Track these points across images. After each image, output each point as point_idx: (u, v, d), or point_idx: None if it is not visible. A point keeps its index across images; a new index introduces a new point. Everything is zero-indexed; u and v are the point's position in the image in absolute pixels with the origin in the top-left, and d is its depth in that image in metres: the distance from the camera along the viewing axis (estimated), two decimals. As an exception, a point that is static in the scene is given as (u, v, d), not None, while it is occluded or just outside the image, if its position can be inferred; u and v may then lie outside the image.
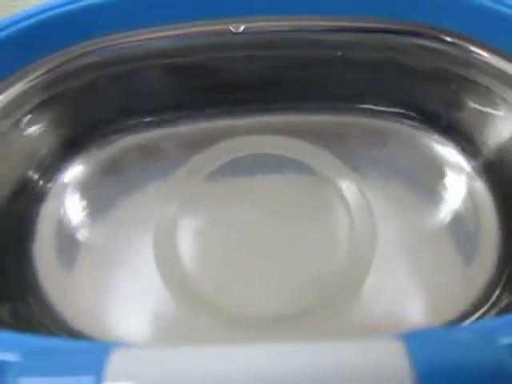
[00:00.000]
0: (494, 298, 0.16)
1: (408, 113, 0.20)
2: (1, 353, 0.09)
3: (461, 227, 0.18)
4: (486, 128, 0.18)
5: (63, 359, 0.09)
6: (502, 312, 0.15)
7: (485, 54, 0.17)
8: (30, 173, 0.19)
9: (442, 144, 0.19)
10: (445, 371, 0.08)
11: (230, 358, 0.08)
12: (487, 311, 0.15)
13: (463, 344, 0.08)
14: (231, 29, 0.18)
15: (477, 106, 0.18)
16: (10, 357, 0.09)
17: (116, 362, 0.09)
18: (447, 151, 0.19)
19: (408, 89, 0.20)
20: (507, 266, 0.16)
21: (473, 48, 0.17)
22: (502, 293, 0.15)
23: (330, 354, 0.08)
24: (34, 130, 0.19)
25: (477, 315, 0.16)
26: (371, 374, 0.08)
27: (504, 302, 0.15)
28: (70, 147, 0.20)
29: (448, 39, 0.18)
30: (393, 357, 0.08)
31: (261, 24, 0.18)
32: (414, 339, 0.08)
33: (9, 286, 0.16)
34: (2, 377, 0.09)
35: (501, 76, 0.17)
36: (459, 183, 0.19)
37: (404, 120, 0.20)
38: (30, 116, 0.18)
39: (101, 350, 0.09)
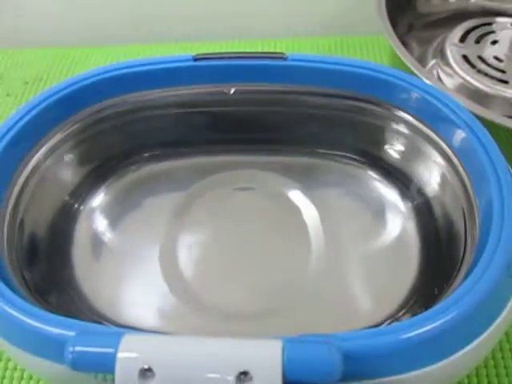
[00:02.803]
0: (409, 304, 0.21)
1: (356, 157, 0.26)
2: (63, 330, 0.15)
3: (392, 251, 0.23)
4: (416, 174, 0.23)
5: (97, 336, 0.14)
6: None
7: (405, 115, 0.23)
8: (67, 198, 0.24)
9: (385, 185, 0.25)
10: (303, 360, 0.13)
11: (196, 344, 0.14)
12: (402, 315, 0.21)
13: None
14: (225, 91, 0.23)
15: (406, 155, 0.24)
16: (69, 332, 0.15)
17: (126, 341, 0.14)
18: (387, 191, 0.25)
19: (356, 139, 0.25)
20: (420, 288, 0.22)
21: (396, 112, 0.23)
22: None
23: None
24: (69, 164, 0.24)
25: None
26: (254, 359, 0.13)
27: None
28: (96, 177, 0.25)
29: (380, 105, 0.24)
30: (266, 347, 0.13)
31: (247, 88, 0.24)
32: (293, 341, 0.14)
33: (55, 281, 0.22)
34: (63, 345, 0.14)
35: (417, 132, 0.23)
36: (394, 218, 0.24)
37: (352, 162, 0.26)
38: (67, 154, 0.24)
39: (118, 332, 0.15)
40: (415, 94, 0.22)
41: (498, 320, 0.17)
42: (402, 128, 0.23)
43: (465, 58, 0.35)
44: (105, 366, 0.13)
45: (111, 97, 0.23)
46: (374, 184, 0.25)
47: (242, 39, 0.44)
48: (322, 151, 0.26)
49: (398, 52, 0.29)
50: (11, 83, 0.43)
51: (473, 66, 0.35)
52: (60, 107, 0.22)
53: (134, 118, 0.25)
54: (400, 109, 0.23)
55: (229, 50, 0.42)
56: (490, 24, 0.38)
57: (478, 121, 0.20)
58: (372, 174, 0.25)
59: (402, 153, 0.24)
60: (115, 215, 0.25)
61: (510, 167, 0.20)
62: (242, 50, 0.24)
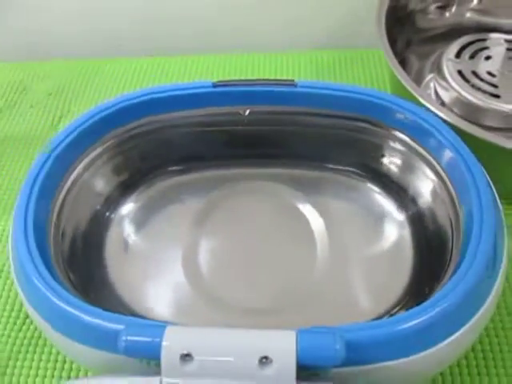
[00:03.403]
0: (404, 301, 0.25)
1: (357, 171, 0.29)
2: (114, 324, 0.18)
3: (390, 255, 0.27)
4: (410, 187, 0.27)
5: (145, 328, 0.18)
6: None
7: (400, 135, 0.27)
8: (99, 207, 0.28)
9: (383, 197, 0.28)
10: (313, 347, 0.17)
11: (225, 334, 0.17)
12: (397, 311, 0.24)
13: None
14: (240, 112, 0.27)
15: (401, 170, 0.27)
16: (119, 326, 0.18)
17: (170, 333, 0.18)
18: (385, 202, 0.28)
19: (357, 155, 0.29)
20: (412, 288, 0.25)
21: (392, 132, 0.27)
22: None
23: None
24: (102, 177, 0.28)
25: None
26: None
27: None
28: (125, 188, 0.29)
29: (378, 125, 0.27)
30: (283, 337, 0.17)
31: (260, 109, 0.27)
32: (304, 332, 0.17)
33: (92, 281, 0.25)
34: (116, 338, 0.18)
35: (411, 150, 0.26)
36: (391, 225, 0.27)
37: (355, 176, 0.29)
38: (101, 168, 0.27)
39: (162, 325, 0.18)
40: (408, 117, 0.25)
41: (478, 314, 0.20)
42: (398, 146, 0.27)
43: (460, 72, 0.38)
44: (152, 352, 0.17)
45: (142, 117, 0.27)
46: (373, 195, 0.29)
47: (249, 53, 0.48)
48: (327, 166, 0.29)
49: (396, 73, 0.32)
50: (35, 95, 0.46)
51: (467, 80, 0.38)
52: (99, 127, 0.26)
53: (161, 136, 0.28)
54: (395, 129, 0.26)
55: (233, 64, 0.46)
56: (484, 40, 0.41)
57: (461, 141, 0.24)
58: (372, 186, 0.29)
59: (398, 168, 0.28)
60: (142, 222, 0.29)
61: (489, 180, 0.23)
62: (254, 77, 0.27)
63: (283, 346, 0.16)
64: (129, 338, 0.17)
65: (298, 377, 0.17)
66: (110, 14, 0.49)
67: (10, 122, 0.44)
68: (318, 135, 0.28)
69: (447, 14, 0.43)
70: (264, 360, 0.16)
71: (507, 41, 0.41)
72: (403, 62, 0.43)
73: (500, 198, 0.24)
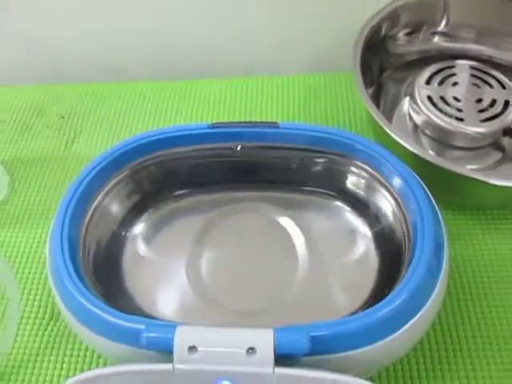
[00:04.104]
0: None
1: (330, 193, 0.36)
2: (137, 324, 0.24)
3: (359, 263, 0.33)
4: (373, 207, 0.33)
5: (160, 327, 0.24)
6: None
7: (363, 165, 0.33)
8: (116, 227, 0.34)
9: (352, 214, 0.35)
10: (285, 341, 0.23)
11: (222, 331, 0.23)
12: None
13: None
14: (233, 147, 0.33)
15: (366, 192, 0.34)
16: (140, 326, 0.24)
17: (180, 331, 0.24)
18: (354, 219, 0.34)
19: (330, 180, 0.35)
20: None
21: (357, 162, 0.33)
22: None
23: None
24: (118, 202, 0.34)
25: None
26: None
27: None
28: (138, 210, 0.35)
29: (346, 157, 0.34)
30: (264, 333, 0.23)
31: (249, 145, 0.33)
32: (279, 329, 0.23)
33: (112, 289, 0.32)
34: (138, 335, 0.24)
35: (372, 176, 0.33)
36: (359, 238, 0.34)
37: (328, 197, 0.36)
38: (117, 195, 0.34)
39: (173, 325, 0.24)
40: (367, 151, 0.31)
41: (423, 310, 0.26)
42: (362, 173, 0.33)
43: (429, 98, 0.44)
44: (166, 345, 0.23)
45: (153, 152, 0.34)
46: (344, 213, 0.35)
47: (242, 76, 0.53)
48: (305, 189, 0.36)
49: (367, 107, 0.37)
50: (50, 117, 0.52)
51: (435, 105, 0.44)
52: (118, 161, 0.32)
53: (167, 166, 0.35)
54: (359, 160, 0.33)
55: (229, 88, 0.52)
56: (452, 67, 0.47)
57: (407, 167, 0.31)
58: (343, 205, 0.35)
59: (363, 191, 0.34)
60: (152, 239, 0.35)
61: (431, 198, 0.30)
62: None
63: (264, 340, 0.23)
64: (148, 335, 0.23)
65: (276, 363, 0.23)
66: (116, 41, 0.55)
67: (29, 143, 0.50)
68: (296, 164, 0.35)
69: (415, 41, 0.49)
70: (250, 350, 0.23)
71: (472, 67, 0.47)
72: (381, 86, 0.49)
73: (465, 209, 0.32)
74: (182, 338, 0.23)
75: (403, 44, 0.48)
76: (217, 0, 0.51)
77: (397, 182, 0.30)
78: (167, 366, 0.23)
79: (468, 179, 0.34)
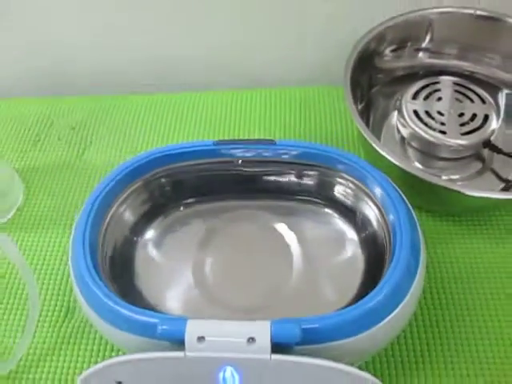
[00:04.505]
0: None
1: (320, 201, 0.40)
2: (152, 319, 0.28)
3: (347, 264, 0.37)
4: (360, 214, 0.37)
5: (173, 321, 0.28)
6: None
7: (349, 177, 0.38)
8: (128, 233, 0.39)
9: (341, 220, 0.39)
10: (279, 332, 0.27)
11: (225, 323, 0.27)
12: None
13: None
14: (235, 162, 0.38)
15: (352, 201, 0.38)
16: (156, 320, 0.28)
17: (190, 324, 0.28)
18: (342, 224, 0.39)
19: (320, 189, 0.40)
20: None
21: (343, 175, 0.38)
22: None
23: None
24: (131, 211, 0.38)
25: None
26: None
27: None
28: (148, 218, 0.40)
29: (333, 170, 0.38)
30: (262, 325, 0.27)
31: (249, 159, 0.38)
32: (275, 322, 0.27)
33: (126, 287, 0.36)
34: (154, 328, 0.28)
35: (358, 187, 0.37)
36: (347, 241, 0.38)
37: (319, 205, 0.40)
38: (130, 204, 0.38)
39: (184, 318, 0.28)
40: (353, 165, 0.36)
41: (402, 304, 0.30)
42: (349, 184, 0.38)
43: (415, 112, 0.48)
44: (178, 336, 0.27)
45: (163, 166, 0.38)
46: (334, 220, 0.40)
47: (242, 88, 0.58)
48: (298, 197, 0.41)
49: (356, 124, 0.42)
50: (61, 129, 0.56)
51: (421, 119, 0.48)
52: (132, 174, 0.37)
53: (176, 178, 0.39)
54: (346, 173, 0.38)
55: (230, 100, 0.56)
56: (437, 83, 0.51)
57: (388, 180, 0.35)
58: (332, 213, 0.40)
59: (350, 200, 0.39)
60: (161, 243, 0.39)
61: (409, 207, 0.34)
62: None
63: (262, 331, 0.27)
64: (163, 327, 0.27)
65: (273, 351, 0.27)
66: (123, 55, 0.59)
67: (42, 153, 0.54)
68: (291, 176, 0.39)
69: (401, 57, 0.53)
70: (250, 340, 0.27)
71: (455, 83, 0.51)
72: (371, 101, 0.53)
73: (446, 215, 0.38)
74: (192, 329, 0.27)
75: (390, 60, 0.53)
76: (221, 18, 0.55)
77: (378, 192, 0.35)
78: (179, 354, 0.27)
79: (446, 190, 0.39)
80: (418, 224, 0.33)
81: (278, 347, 0.27)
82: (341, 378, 0.27)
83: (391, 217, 0.33)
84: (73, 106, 0.58)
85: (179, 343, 0.28)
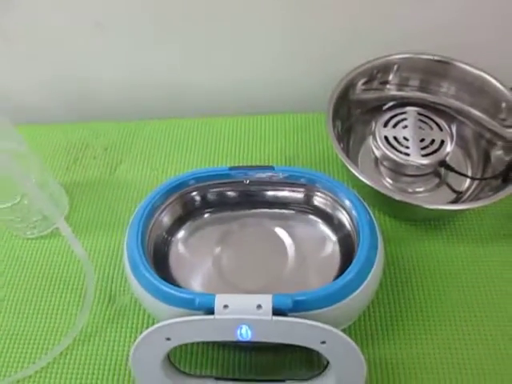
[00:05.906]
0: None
1: (308, 210, 0.55)
2: (191, 296, 0.43)
3: (328, 258, 0.52)
4: (337, 220, 0.52)
5: (206, 296, 0.42)
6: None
7: (326, 191, 0.53)
8: (163, 234, 0.53)
9: (324, 225, 0.54)
10: (278, 302, 0.42)
11: (242, 296, 0.42)
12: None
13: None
14: (244, 181, 0.52)
15: (330, 210, 0.53)
16: (193, 296, 0.43)
17: (218, 297, 0.42)
18: (325, 228, 0.53)
19: (306, 201, 0.55)
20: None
21: (321, 190, 0.53)
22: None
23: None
24: (168, 216, 0.53)
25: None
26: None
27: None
28: (179, 222, 0.54)
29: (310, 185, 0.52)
30: (266, 297, 0.42)
31: (254, 180, 0.53)
32: (276, 295, 0.42)
33: (163, 275, 0.50)
34: (193, 302, 0.42)
35: (334, 199, 0.52)
36: (328, 241, 0.53)
37: (307, 213, 0.55)
38: (167, 212, 0.53)
39: (213, 294, 0.43)
40: (329, 184, 0.51)
41: (364, 284, 0.45)
42: (327, 197, 0.53)
43: (386, 137, 0.63)
44: (210, 306, 0.42)
45: (192, 185, 0.53)
46: (318, 224, 0.55)
47: (244, 115, 0.73)
48: (291, 207, 0.56)
49: (335, 149, 0.56)
50: (95, 150, 0.70)
51: (390, 143, 0.62)
52: (171, 190, 0.52)
53: (200, 193, 0.55)
54: (324, 189, 0.53)
55: (239, 126, 0.70)
56: (404, 113, 0.65)
57: (355, 194, 0.50)
58: (317, 219, 0.55)
59: (329, 208, 0.54)
60: (189, 242, 0.54)
61: (371, 214, 0.48)
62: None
63: (266, 301, 0.41)
64: (200, 300, 0.42)
65: (273, 314, 0.41)
66: (145, 84, 0.73)
67: (81, 170, 0.68)
68: (284, 192, 0.55)
69: (371, 90, 0.67)
70: (258, 306, 0.41)
71: (418, 113, 0.65)
72: (351, 126, 0.67)
73: (409, 220, 0.54)
74: (220, 300, 0.42)
75: (360, 93, 0.67)
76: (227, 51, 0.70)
77: (348, 203, 0.50)
78: (210, 317, 0.41)
79: (407, 203, 0.53)
80: (376, 227, 0.48)
81: (277, 313, 0.42)
82: (318, 333, 0.41)
83: (356, 222, 0.48)
84: (104, 129, 0.72)
85: (209, 312, 0.42)
